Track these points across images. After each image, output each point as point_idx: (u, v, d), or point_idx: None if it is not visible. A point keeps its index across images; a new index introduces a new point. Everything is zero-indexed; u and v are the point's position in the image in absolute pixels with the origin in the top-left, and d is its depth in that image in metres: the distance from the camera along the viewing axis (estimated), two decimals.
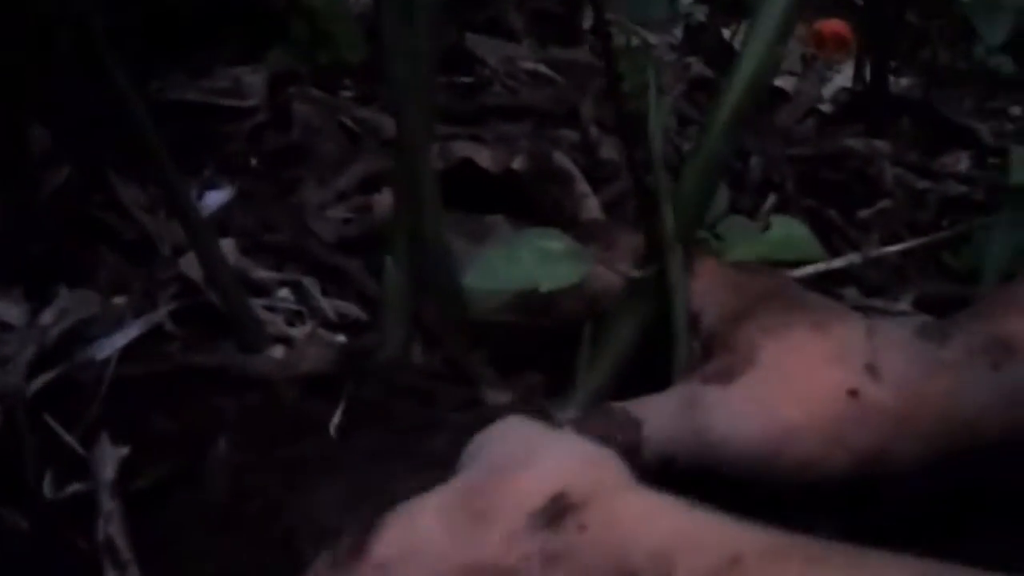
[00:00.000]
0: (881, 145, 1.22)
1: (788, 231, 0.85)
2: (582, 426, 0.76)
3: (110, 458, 0.81)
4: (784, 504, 0.76)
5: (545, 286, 0.75)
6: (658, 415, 0.76)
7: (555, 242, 0.78)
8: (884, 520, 0.77)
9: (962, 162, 1.24)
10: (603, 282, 0.81)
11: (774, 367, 0.75)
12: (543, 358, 0.84)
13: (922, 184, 1.18)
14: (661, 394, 0.77)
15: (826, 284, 0.99)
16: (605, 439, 0.75)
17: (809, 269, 0.99)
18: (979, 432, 0.74)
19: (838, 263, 1.00)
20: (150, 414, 0.84)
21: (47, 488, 0.81)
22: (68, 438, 0.82)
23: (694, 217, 0.79)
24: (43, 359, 0.86)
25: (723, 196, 0.93)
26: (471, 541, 0.62)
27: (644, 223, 0.79)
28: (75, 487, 0.80)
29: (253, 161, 1.10)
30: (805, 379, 0.75)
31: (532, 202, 1.00)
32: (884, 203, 1.13)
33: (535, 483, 0.62)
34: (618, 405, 0.77)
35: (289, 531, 0.77)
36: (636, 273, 0.78)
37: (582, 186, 1.00)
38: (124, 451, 0.81)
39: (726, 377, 0.76)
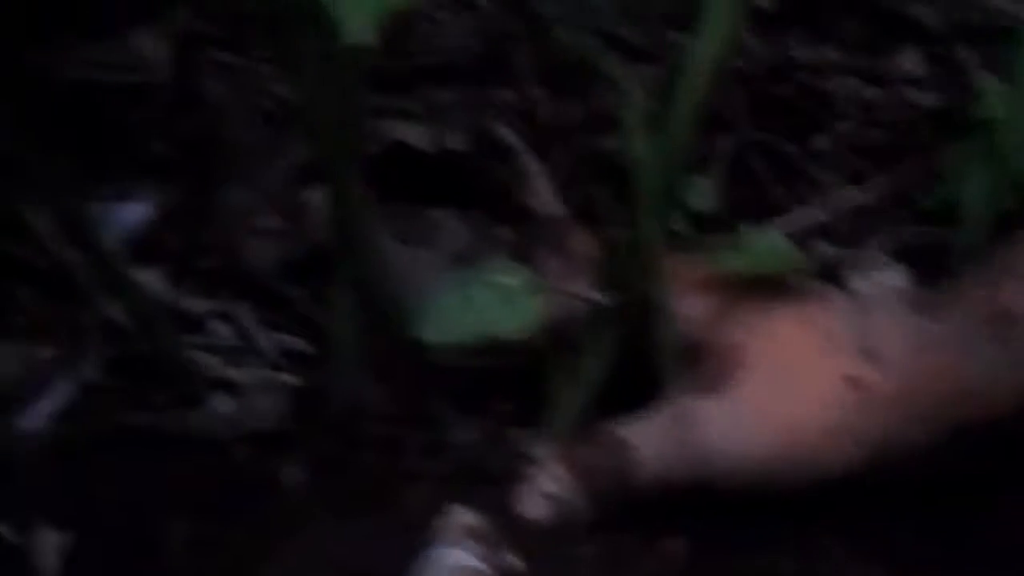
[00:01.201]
0: (829, 53, 1.14)
1: (769, 242, 0.79)
2: (568, 456, 0.71)
3: (52, 548, 0.74)
4: (787, 507, 0.72)
5: (507, 333, 0.69)
6: (649, 435, 0.72)
7: (510, 277, 0.72)
8: (896, 508, 0.74)
9: (910, 60, 1.17)
10: (565, 308, 0.75)
11: (764, 366, 0.71)
12: (507, 386, 0.78)
13: (872, 93, 1.11)
14: (649, 412, 0.73)
15: (793, 238, 0.93)
16: (595, 468, 0.71)
17: (770, 227, 0.93)
18: (992, 405, 0.71)
19: (804, 219, 0.94)
20: (91, 487, 0.78)
21: None
22: (2, 528, 0.76)
23: (661, 220, 0.72)
24: None
25: (709, 191, 0.87)
26: None
27: (604, 231, 0.73)
28: None
29: (164, 151, 1.00)
30: (798, 374, 0.72)
31: (475, 185, 0.93)
32: (840, 125, 1.06)
33: None
34: (604, 429, 0.72)
35: None
36: (603, 299, 0.72)
37: (529, 162, 0.92)
38: (68, 538, 0.75)
39: (714, 384, 0.72)
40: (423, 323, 0.70)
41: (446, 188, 0.92)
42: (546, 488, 0.70)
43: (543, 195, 0.92)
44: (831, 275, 0.87)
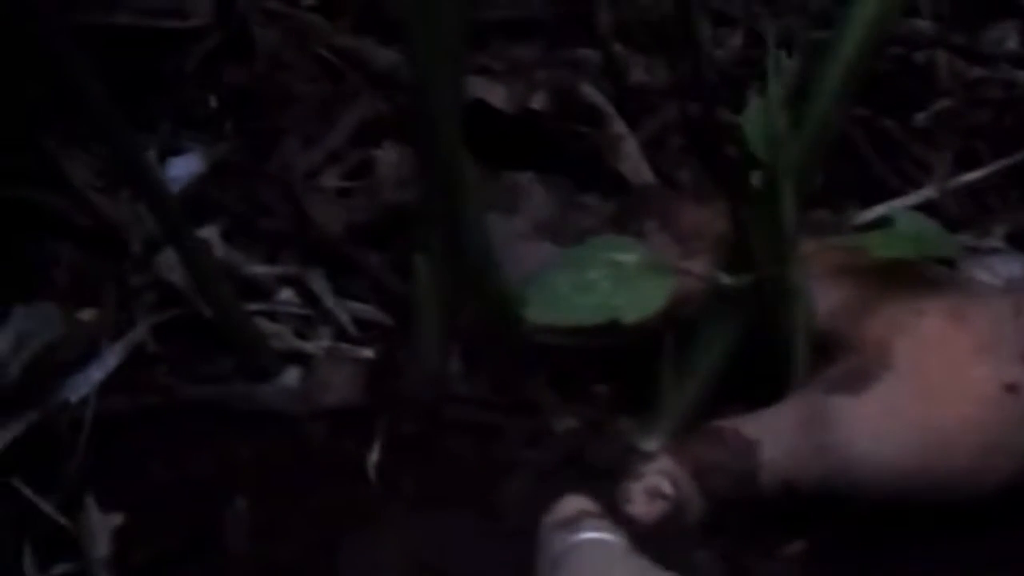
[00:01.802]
0: (925, 26, 1.07)
1: (917, 225, 0.71)
2: (685, 452, 0.64)
3: (101, 530, 0.66)
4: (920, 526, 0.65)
5: (629, 318, 0.62)
6: (776, 434, 0.64)
7: (628, 254, 0.64)
8: None
9: (1011, 38, 1.10)
10: (681, 286, 0.68)
11: (912, 368, 0.64)
12: (609, 368, 0.71)
13: (975, 72, 1.04)
14: (776, 408, 0.66)
15: None
16: (715, 467, 0.63)
17: (880, 208, 0.85)
18: None
19: (914, 199, 0.87)
20: (144, 465, 0.70)
21: (29, 569, 0.67)
22: (47, 507, 0.68)
23: (800, 198, 0.65)
24: (4, 404, 0.71)
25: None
26: None
27: (729, 203, 0.65)
28: (63, 567, 0.66)
29: (213, 103, 0.92)
30: (951, 379, 0.64)
31: (558, 148, 0.85)
32: (942, 103, 0.99)
33: None
34: (727, 424, 0.65)
35: None
36: (729, 281, 0.64)
37: (618, 126, 0.85)
38: (117, 519, 0.67)
39: (856, 384, 0.64)
40: (532, 302, 0.63)
41: (527, 151, 0.84)
42: (657, 485, 0.63)
43: (635, 162, 0.84)
44: (942, 259, 0.80)
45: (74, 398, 0.71)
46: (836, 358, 0.65)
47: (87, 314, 0.76)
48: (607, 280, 0.63)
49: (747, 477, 0.63)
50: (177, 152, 0.86)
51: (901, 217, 0.70)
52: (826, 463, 0.63)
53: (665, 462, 0.64)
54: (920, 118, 0.98)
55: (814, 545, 0.66)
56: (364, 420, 0.69)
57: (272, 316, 0.75)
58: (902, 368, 0.64)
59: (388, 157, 0.83)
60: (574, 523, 0.58)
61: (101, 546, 0.66)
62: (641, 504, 0.62)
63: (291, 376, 0.71)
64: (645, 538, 0.62)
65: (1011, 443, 0.63)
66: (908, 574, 0.65)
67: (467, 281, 0.68)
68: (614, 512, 0.62)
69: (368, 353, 0.72)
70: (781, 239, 0.64)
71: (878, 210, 0.85)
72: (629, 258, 0.64)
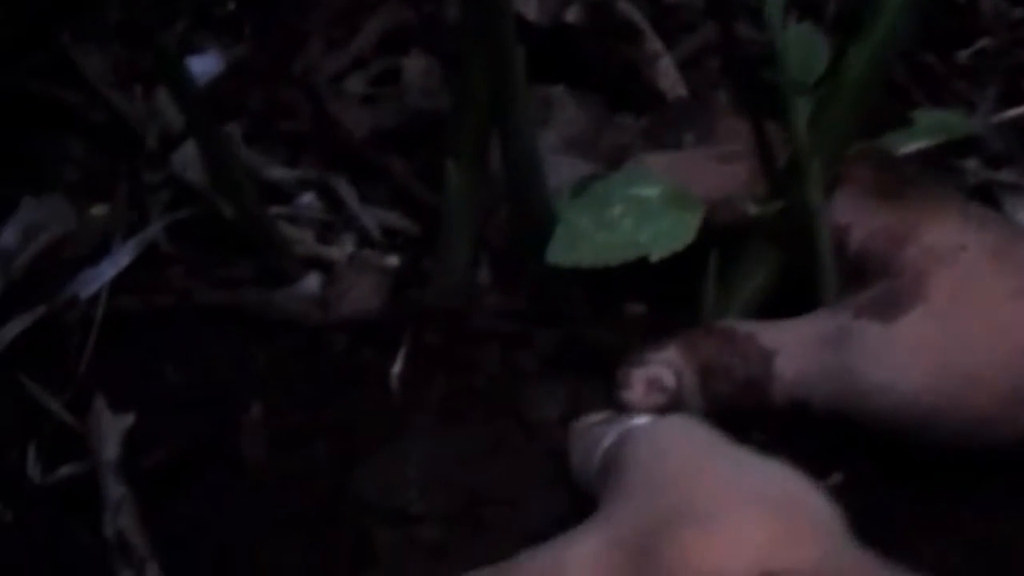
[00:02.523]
0: None
1: (937, 117, 0.69)
2: (693, 347, 0.61)
3: (112, 431, 0.64)
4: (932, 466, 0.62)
5: (655, 255, 0.59)
6: (795, 348, 0.61)
7: (652, 187, 0.61)
8: None
9: None
10: (719, 193, 0.65)
11: (946, 303, 0.60)
12: (643, 284, 0.68)
13: (1018, 13, 1.01)
14: (798, 321, 0.63)
15: (941, 155, 0.83)
16: (721, 368, 0.60)
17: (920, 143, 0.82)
18: None
19: None
20: (155, 367, 0.67)
21: (33, 470, 0.64)
22: (54, 405, 0.65)
23: (850, 125, 0.62)
24: (10, 298, 0.68)
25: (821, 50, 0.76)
26: None
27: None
28: (69, 468, 0.64)
29: (231, 3, 0.89)
30: (986, 320, 0.60)
31: (592, 65, 0.82)
32: (984, 41, 0.96)
33: (728, 551, 0.46)
34: (742, 328, 0.62)
35: (350, 516, 0.62)
36: (755, 209, 0.61)
37: (654, 44, 0.82)
38: (129, 420, 0.64)
39: (888, 311, 0.61)
40: (554, 242, 0.60)
41: (559, 66, 0.81)
42: (660, 376, 0.59)
43: (671, 79, 0.81)
44: (983, 197, 0.78)
45: (84, 295, 0.68)
46: (871, 282, 0.62)
47: (99, 210, 0.72)
48: (630, 216, 0.60)
49: (756, 386, 0.60)
50: (195, 52, 0.82)
51: (921, 116, 0.66)
52: (843, 387, 0.60)
53: (672, 353, 0.60)
54: (963, 56, 0.95)
55: (852, 477, 0.63)
56: (387, 330, 0.66)
57: (293, 220, 0.72)
58: (936, 301, 0.60)
59: (415, 65, 0.80)
60: (615, 417, 0.56)
61: (110, 448, 0.63)
62: (639, 392, 0.59)
63: (312, 282, 0.68)
64: None
65: None
66: (954, 511, 0.63)
67: (505, 189, 0.65)
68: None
69: (393, 260, 0.69)
70: (800, 160, 0.60)
71: (918, 145, 0.82)
72: (652, 192, 0.61)
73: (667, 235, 0.60)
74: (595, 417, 0.58)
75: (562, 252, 0.61)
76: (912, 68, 0.91)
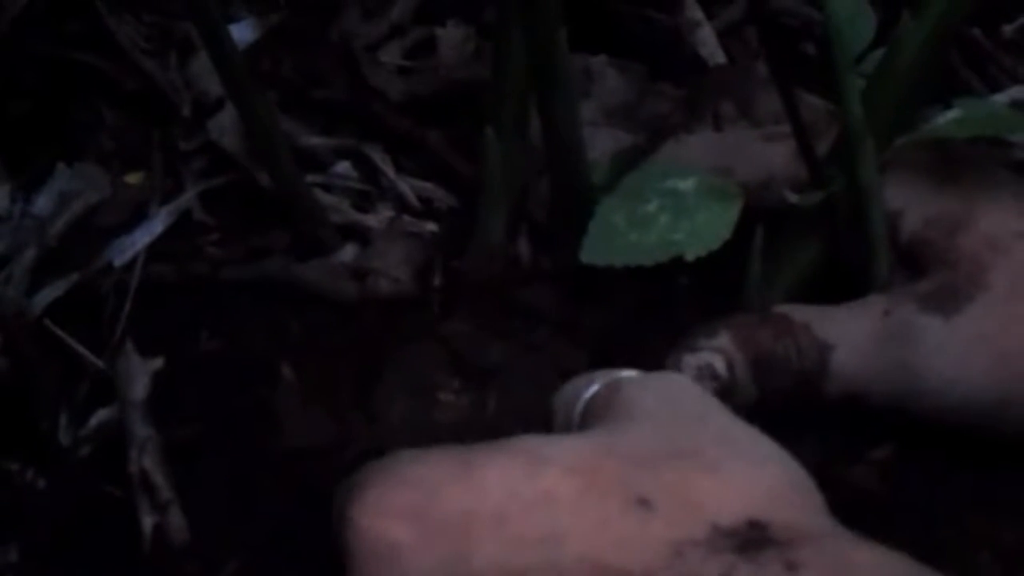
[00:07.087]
0: None
1: (988, 108, 0.67)
2: (748, 336, 0.59)
3: (140, 372, 0.63)
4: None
5: (691, 254, 0.57)
6: (853, 341, 0.59)
7: (687, 178, 0.59)
8: None
9: None
10: (763, 173, 0.63)
11: (1008, 294, 0.58)
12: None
13: None
14: (854, 310, 0.60)
15: None
16: (776, 361, 0.59)
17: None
18: None
19: (1001, 99, 0.82)
20: (188, 334, 0.66)
21: (63, 433, 0.63)
22: (90, 355, 0.64)
23: (906, 104, 0.60)
24: (46, 264, 0.68)
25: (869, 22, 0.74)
26: (625, 532, 0.46)
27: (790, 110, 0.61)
28: (100, 415, 0.63)
29: None
30: None
31: (629, 32, 0.81)
32: None
33: (726, 496, 0.47)
34: (798, 315, 0.60)
35: None
36: (795, 198, 0.60)
37: (694, 12, 0.80)
38: (157, 363, 0.63)
39: (948, 304, 0.58)
40: (588, 240, 0.58)
41: (599, 36, 0.80)
42: (712, 363, 0.58)
43: (710, 48, 0.80)
44: None
45: (118, 262, 0.67)
46: (928, 271, 0.60)
47: (133, 177, 0.72)
48: (666, 212, 0.58)
49: (810, 380, 0.59)
50: (230, 20, 0.81)
51: (969, 106, 0.64)
52: (903, 384, 0.58)
53: (725, 341, 0.59)
54: (1008, 30, 0.94)
55: (900, 450, 0.62)
56: (425, 300, 0.66)
57: (328, 189, 0.71)
58: (998, 292, 0.58)
59: (452, 35, 0.79)
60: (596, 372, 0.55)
61: (138, 388, 0.62)
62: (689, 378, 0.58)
63: (348, 252, 0.67)
64: None
65: None
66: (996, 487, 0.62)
67: (545, 159, 0.64)
68: None
69: (431, 227, 0.68)
70: (853, 139, 0.59)
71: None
72: (687, 185, 0.59)
73: (703, 233, 0.58)
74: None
75: (596, 251, 0.59)
76: (957, 42, 0.89)
